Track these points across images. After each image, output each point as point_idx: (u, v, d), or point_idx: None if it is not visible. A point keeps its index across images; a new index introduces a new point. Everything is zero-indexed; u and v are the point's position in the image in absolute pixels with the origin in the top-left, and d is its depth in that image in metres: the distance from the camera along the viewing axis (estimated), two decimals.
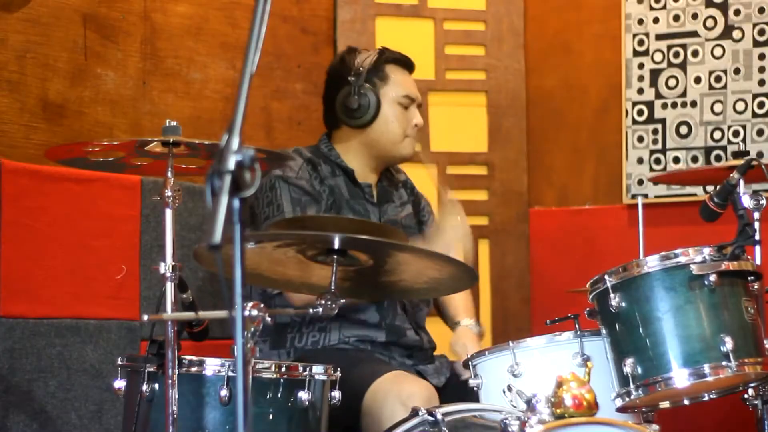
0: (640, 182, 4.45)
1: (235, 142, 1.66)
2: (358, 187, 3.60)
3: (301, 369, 2.76)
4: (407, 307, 3.58)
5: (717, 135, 4.37)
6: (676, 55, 4.43)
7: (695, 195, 4.33)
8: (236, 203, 1.63)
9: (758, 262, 3.00)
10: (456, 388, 3.35)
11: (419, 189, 3.87)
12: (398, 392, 3.11)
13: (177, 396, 2.59)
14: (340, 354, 3.39)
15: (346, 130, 3.60)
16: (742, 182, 3.03)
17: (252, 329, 2.13)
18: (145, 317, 2.65)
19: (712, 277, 2.69)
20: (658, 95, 4.44)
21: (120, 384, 2.77)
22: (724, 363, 2.66)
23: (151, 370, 2.69)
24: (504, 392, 2.79)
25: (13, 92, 3.50)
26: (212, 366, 2.69)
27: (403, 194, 3.75)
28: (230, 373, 2.66)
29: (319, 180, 3.54)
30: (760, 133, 4.32)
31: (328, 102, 3.64)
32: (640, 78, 4.47)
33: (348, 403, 2.88)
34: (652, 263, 2.74)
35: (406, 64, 3.67)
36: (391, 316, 3.51)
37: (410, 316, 3.59)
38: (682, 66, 4.42)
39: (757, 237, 2.91)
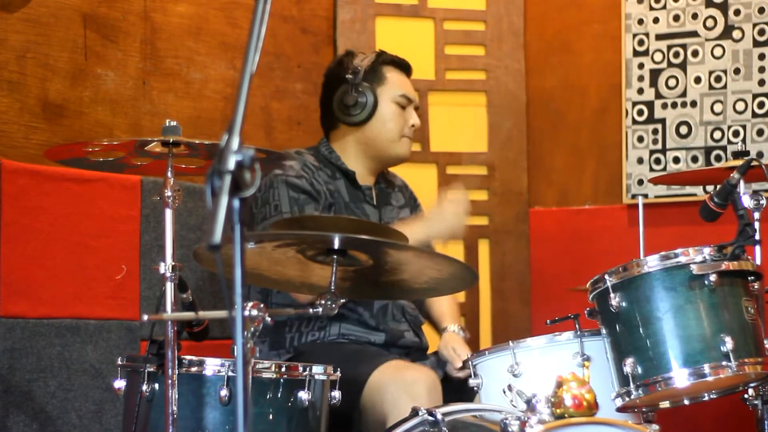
0: (640, 182, 4.45)
1: (235, 142, 1.66)
2: (358, 190, 3.61)
3: (301, 369, 2.76)
4: (407, 312, 3.58)
5: (717, 135, 4.37)
6: (676, 55, 4.42)
7: (695, 195, 4.33)
8: (236, 203, 1.63)
9: (758, 262, 3.00)
10: (455, 387, 3.35)
11: (419, 190, 3.87)
12: (401, 379, 3.10)
13: (177, 396, 2.59)
14: (338, 347, 3.39)
15: (343, 129, 3.62)
16: (742, 182, 3.03)
17: (252, 329, 2.13)
18: (145, 317, 2.65)
19: (712, 277, 2.69)
20: (658, 95, 4.44)
21: (120, 384, 2.78)
22: (724, 363, 2.66)
23: (151, 370, 2.69)
24: (504, 392, 2.80)
25: (13, 92, 3.50)
26: (212, 366, 2.69)
27: (400, 197, 3.76)
28: (230, 373, 2.66)
29: (321, 181, 3.54)
30: (760, 133, 4.32)
31: (325, 103, 3.66)
32: (640, 78, 4.46)
33: (346, 397, 2.87)
34: (652, 263, 2.74)
35: (404, 67, 3.70)
36: (388, 319, 3.51)
37: (410, 319, 3.59)
38: (682, 66, 4.42)
39: (757, 237, 2.91)
